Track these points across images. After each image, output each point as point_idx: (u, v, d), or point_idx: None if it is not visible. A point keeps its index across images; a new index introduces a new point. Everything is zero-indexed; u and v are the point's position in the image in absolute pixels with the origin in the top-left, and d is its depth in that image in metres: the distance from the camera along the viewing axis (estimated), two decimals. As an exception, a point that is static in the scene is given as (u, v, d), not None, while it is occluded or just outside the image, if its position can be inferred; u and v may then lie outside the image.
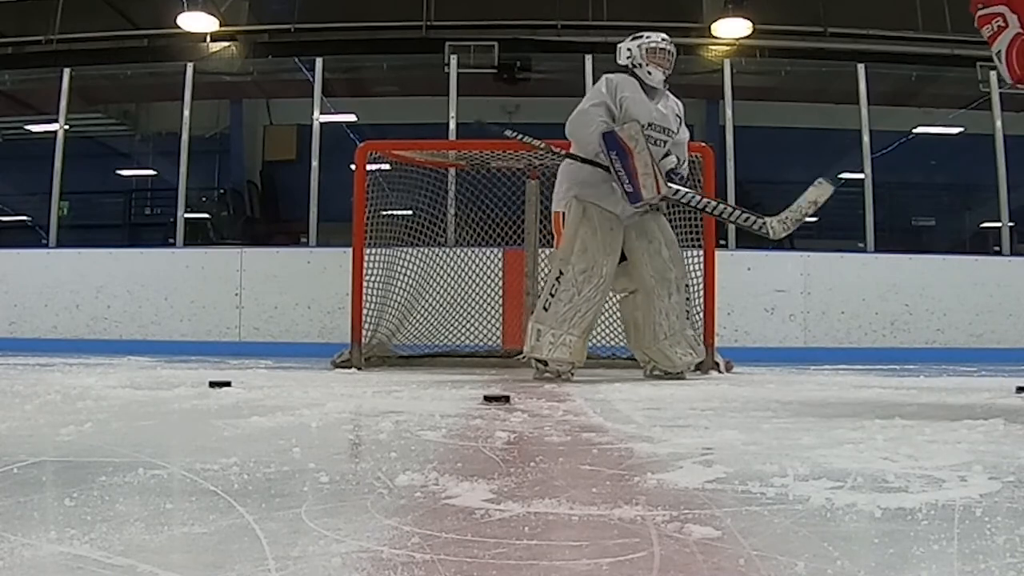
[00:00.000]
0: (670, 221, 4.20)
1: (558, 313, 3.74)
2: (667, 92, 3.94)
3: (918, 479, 1.20)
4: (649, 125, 3.76)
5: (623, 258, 3.93)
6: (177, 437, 1.74)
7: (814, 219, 11.84)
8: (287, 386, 3.10)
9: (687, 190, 3.84)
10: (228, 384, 2.91)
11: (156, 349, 6.36)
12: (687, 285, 4.02)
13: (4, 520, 0.93)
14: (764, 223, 3.64)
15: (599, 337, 4.85)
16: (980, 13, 2.09)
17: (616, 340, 4.96)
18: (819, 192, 3.58)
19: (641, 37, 3.82)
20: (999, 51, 2.06)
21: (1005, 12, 2.06)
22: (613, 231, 3.81)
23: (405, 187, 5.44)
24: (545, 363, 3.79)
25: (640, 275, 3.92)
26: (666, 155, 3.86)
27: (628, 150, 3.50)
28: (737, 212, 3.74)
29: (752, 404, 2.52)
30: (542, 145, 4.00)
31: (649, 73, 3.78)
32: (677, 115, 3.98)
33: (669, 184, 3.67)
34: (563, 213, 3.89)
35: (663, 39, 3.83)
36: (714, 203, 3.86)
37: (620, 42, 3.88)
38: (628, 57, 3.82)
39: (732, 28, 8.95)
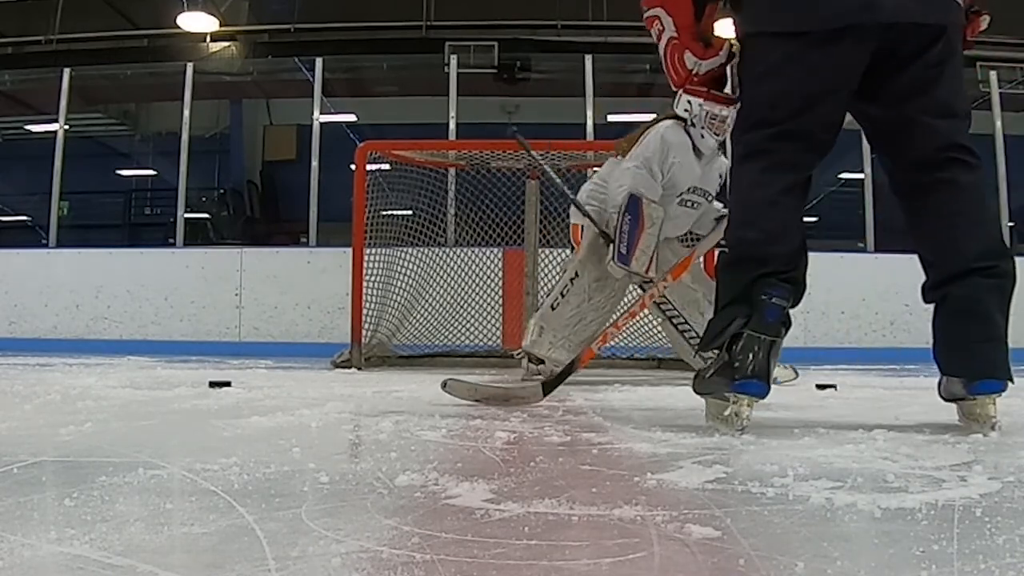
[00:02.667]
0: None
1: (564, 315, 3.72)
2: (719, 153, 3.83)
3: (918, 479, 1.20)
4: (689, 189, 3.70)
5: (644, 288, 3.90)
6: (177, 437, 1.74)
7: (814, 219, 11.88)
8: (287, 386, 3.10)
9: (668, 299, 3.77)
10: (228, 384, 2.91)
11: (156, 349, 6.36)
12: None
13: (4, 520, 0.93)
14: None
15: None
16: (645, 15, 2.13)
17: (616, 340, 4.96)
18: (783, 374, 3.54)
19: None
20: (661, 54, 2.11)
21: (661, 15, 2.08)
22: None
23: (405, 187, 5.44)
24: (541, 362, 3.77)
25: (679, 304, 3.87)
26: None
27: (642, 224, 3.50)
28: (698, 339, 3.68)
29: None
30: (541, 163, 3.98)
31: (703, 137, 3.66)
32: (720, 174, 3.88)
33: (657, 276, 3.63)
34: (581, 226, 3.87)
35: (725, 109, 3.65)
36: (683, 320, 3.78)
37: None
38: (687, 111, 3.66)
39: (732, 28, 8.94)
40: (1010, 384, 1.78)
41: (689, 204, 3.75)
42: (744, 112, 1.98)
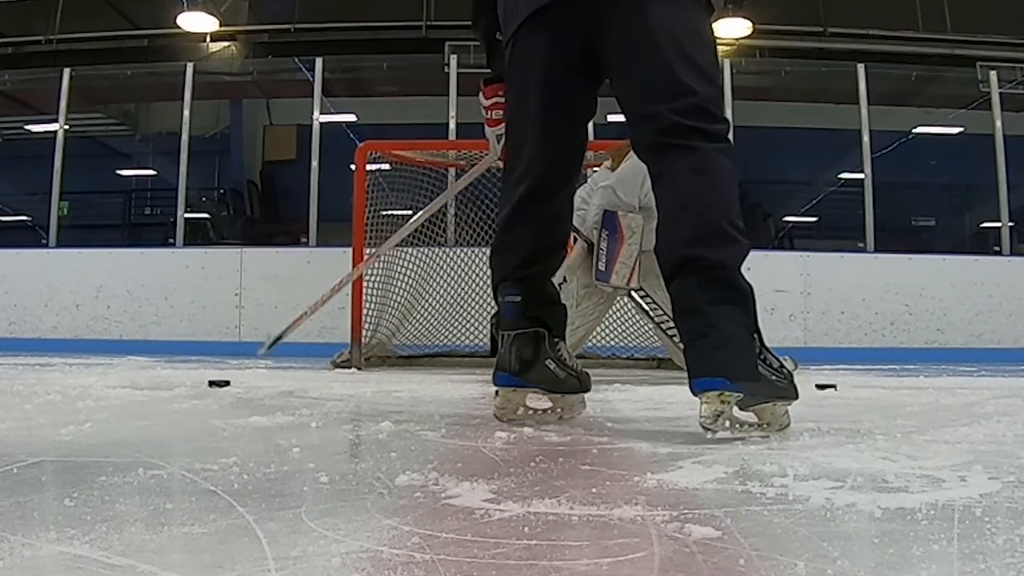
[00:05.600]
0: None
1: None
2: None
3: (918, 479, 1.20)
4: None
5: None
6: (177, 437, 1.74)
7: (814, 219, 11.87)
8: (287, 386, 3.10)
9: (656, 302, 3.75)
10: (227, 384, 2.91)
11: (156, 349, 6.36)
12: None
13: (4, 520, 0.93)
14: None
15: (599, 337, 4.86)
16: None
17: (616, 340, 4.96)
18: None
19: None
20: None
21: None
22: None
23: (405, 187, 5.44)
24: None
25: (666, 311, 3.86)
26: None
27: (621, 237, 3.50)
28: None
29: (752, 404, 2.52)
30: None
31: None
32: None
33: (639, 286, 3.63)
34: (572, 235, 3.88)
35: None
36: (672, 325, 3.73)
37: None
38: None
39: (732, 28, 8.95)
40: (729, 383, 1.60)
41: None
42: None
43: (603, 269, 3.50)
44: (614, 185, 3.62)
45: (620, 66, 1.80)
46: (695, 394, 1.66)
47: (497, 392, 1.94)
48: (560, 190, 1.98)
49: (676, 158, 1.72)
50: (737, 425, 1.66)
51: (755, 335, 1.66)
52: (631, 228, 3.50)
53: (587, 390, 2.01)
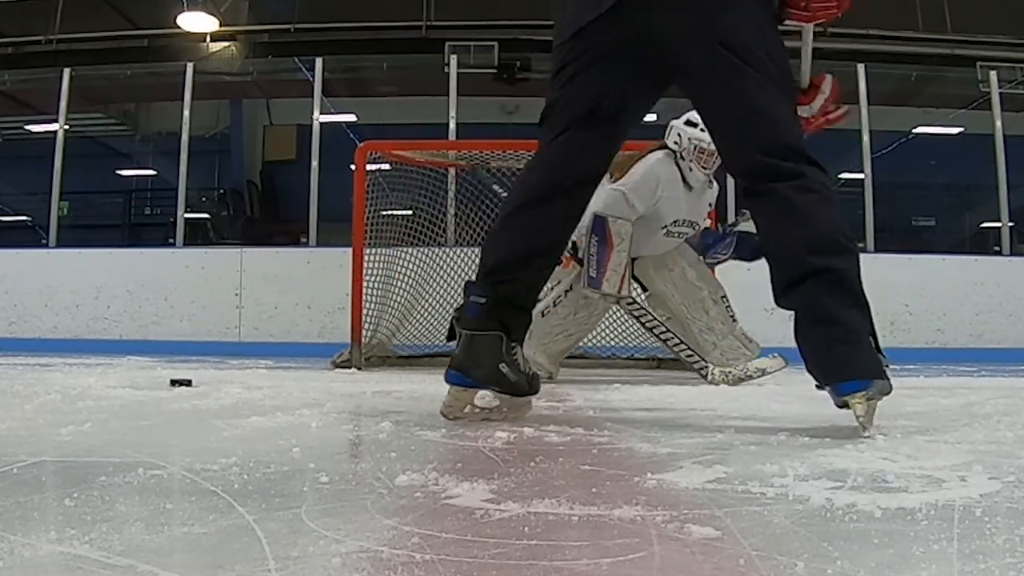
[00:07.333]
0: None
1: (550, 323, 3.73)
2: (710, 184, 3.81)
3: (918, 479, 1.20)
4: (675, 222, 3.69)
5: (645, 288, 3.89)
6: (177, 437, 1.74)
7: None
8: (287, 386, 3.10)
9: (646, 309, 3.74)
10: (190, 383, 2.89)
11: (156, 349, 6.35)
12: (723, 296, 3.88)
13: (4, 520, 0.93)
14: (706, 367, 3.51)
15: (599, 337, 4.86)
16: None
17: (616, 340, 4.96)
18: (772, 363, 3.52)
19: (696, 127, 3.54)
20: None
21: None
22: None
23: (405, 187, 5.43)
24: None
25: (670, 306, 3.83)
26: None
27: (610, 244, 3.47)
28: (683, 346, 3.60)
29: (752, 404, 2.52)
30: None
31: (691, 170, 3.66)
32: (710, 203, 3.89)
33: (631, 296, 3.62)
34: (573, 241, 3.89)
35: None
36: (664, 330, 3.69)
37: (675, 118, 3.70)
38: (676, 143, 3.67)
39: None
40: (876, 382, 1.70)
41: (675, 235, 3.75)
42: None
43: (594, 276, 3.49)
44: (627, 191, 3.59)
45: (709, 84, 1.84)
46: (841, 396, 1.73)
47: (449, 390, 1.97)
48: (574, 193, 1.97)
49: (781, 181, 1.80)
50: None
51: (873, 336, 1.77)
52: (620, 235, 3.49)
53: (535, 393, 2.02)
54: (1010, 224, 7.62)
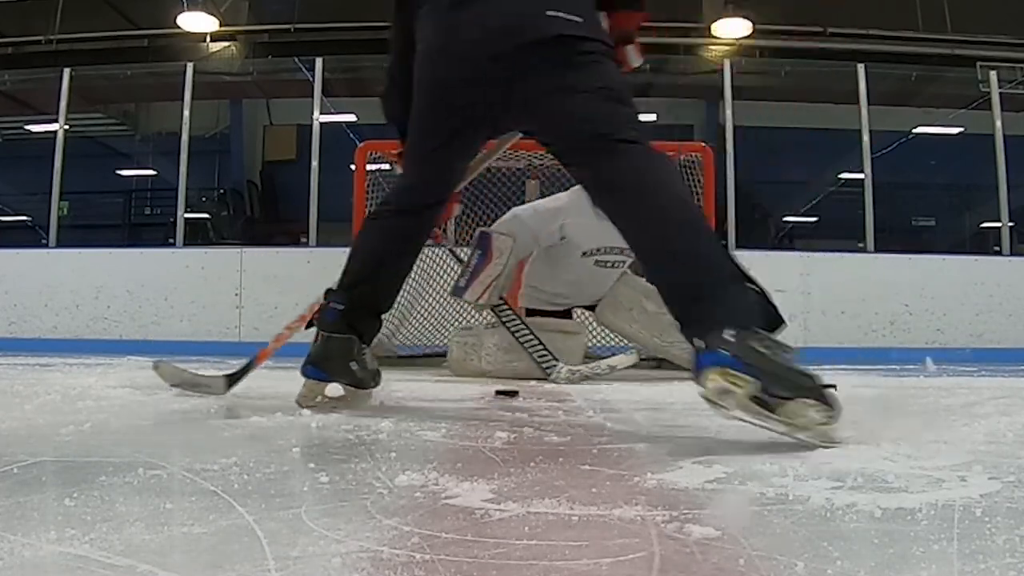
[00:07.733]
0: None
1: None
2: None
3: (918, 479, 1.20)
4: (600, 249, 3.70)
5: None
6: (177, 437, 1.74)
7: (814, 219, 11.81)
8: (287, 386, 3.10)
9: (509, 310, 3.73)
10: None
11: (156, 349, 6.34)
12: None
13: (4, 520, 0.93)
14: (555, 366, 3.49)
15: (599, 337, 4.86)
16: None
17: (615, 340, 4.96)
18: (622, 360, 3.53)
19: None
20: None
21: None
22: None
23: (405, 187, 5.43)
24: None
25: (643, 342, 3.83)
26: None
27: (489, 257, 3.51)
28: (539, 346, 3.59)
29: (752, 404, 2.52)
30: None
31: None
32: None
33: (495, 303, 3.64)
34: None
35: None
36: (523, 328, 3.66)
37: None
38: None
39: (732, 28, 8.96)
40: None
41: (608, 264, 3.75)
42: None
43: (462, 285, 3.53)
44: (520, 211, 3.79)
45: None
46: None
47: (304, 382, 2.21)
48: (427, 214, 2.28)
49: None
50: None
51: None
52: (500, 250, 3.52)
53: (377, 386, 2.27)
54: (1010, 224, 7.63)
